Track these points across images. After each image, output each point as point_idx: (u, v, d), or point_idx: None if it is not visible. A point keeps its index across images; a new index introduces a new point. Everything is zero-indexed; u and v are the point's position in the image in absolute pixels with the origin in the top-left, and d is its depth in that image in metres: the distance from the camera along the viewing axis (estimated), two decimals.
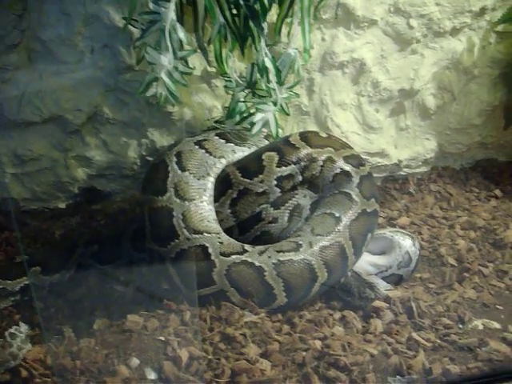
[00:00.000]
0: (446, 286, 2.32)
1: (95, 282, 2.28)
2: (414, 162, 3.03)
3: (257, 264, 2.00)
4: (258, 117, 2.26)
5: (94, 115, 2.63)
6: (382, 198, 2.93)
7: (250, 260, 2.01)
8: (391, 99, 2.88)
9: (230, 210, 2.19)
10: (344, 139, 2.78)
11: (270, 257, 2.03)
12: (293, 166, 2.19)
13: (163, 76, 2.06)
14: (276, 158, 2.18)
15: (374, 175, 2.94)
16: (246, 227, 2.24)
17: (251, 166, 2.19)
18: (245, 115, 2.35)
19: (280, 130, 2.55)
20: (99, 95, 2.60)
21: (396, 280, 2.32)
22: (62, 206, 2.79)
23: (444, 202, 2.94)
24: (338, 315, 2.11)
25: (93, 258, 2.37)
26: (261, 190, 2.17)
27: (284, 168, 2.18)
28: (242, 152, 2.29)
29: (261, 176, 2.16)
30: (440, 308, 2.16)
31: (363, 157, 2.82)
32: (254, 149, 2.32)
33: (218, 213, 2.18)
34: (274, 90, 2.30)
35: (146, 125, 2.68)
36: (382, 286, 2.23)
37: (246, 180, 2.17)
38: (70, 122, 2.60)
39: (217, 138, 2.30)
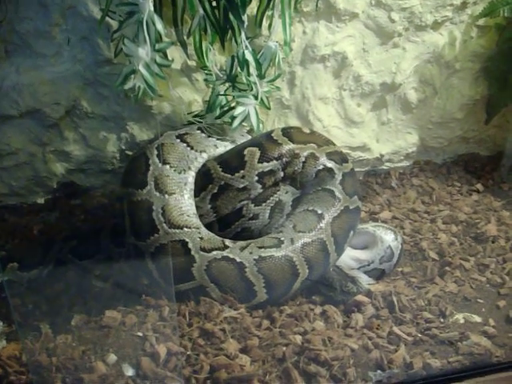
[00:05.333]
0: (428, 280, 2.32)
1: (74, 278, 2.24)
2: (395, 156, 3.02)
3: (237, 260, 1.98)
4: (239, 110, 2.23)
5: (72, 109, 2.58)
6: (364, 192, 2.92)
7: (230, 256, 1.99)
8: (373, 93, 2.87)
9: (210, 206, 2.17)
10: (326, 133, 2.77)
11: (251, 253, 2.01)
12: (275, 161, 2.17)
13: (141, 68, 2.02)
14: (258, 154, 2.16)
15: (356, 169, 2.93)
16: (227, 223, 2.21)
17: (232, 161, 2.17)
18: (225, 109, 2.33)
19: (261, 125, 2.54)
20: (78, 89, 2.55)
21: (378, 274, 2.32)
22: (41, 201, 2.75)
23: (426, 196, 2.94)
24: (318, 310, 2.10)
25: (71, 253, 2.34)
26: (242, 185, 2.15)
27: (266, 164, 2.16)
28: (223, 147, 2.27)
29: (242, 171, 2.14)
30: (421, 302, 2.16)
31: (345, 151, 2.82)
32: (235, 144, 2.29)
33: (198, 208, 2.15)
34: (255, 83, 2.27)
35: (126, 119, 2.64)
36: (364, 281, 2.23)
37: (226, 175, 2.14)
38: (48, 116, 2.55)
39: (199, 132, 2.27)
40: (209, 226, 2.19)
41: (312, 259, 2.08)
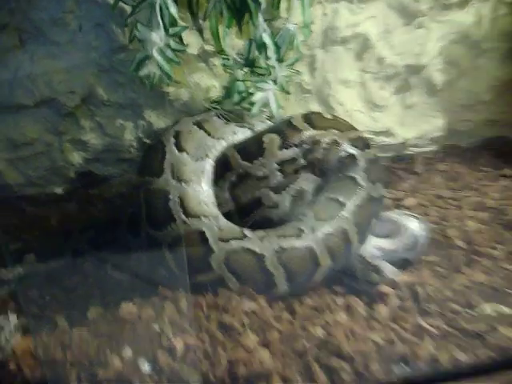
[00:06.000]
0: (454, 269, 2.23)
1: (91, 269, 2.21)
2: (420, 140, 2.92)
3: (257, 250, 1.92)
4: (258, 96, 2.17)
5: (88, 97, 2.54)
6: (389, 178, 2.83)
7: (249, 246, 1.93)
8: (396, 76, 2.76)
9: (228, 194, 2.11)
10: (348, 118, 2.67)
11: (271, 242, 1.95)
12: (295, 148, 2.10)
13: (155, 54, 1.97)
14: (278, 141, 2.09)
15: (380, 155, 2.84)
16: (246, 212, 2.15)
17: (252, 149, 2.11)
18: (244, 95, 2.26)
19: (281, 110, 2.47)
20: (93, 76, 2.50)
21: (402, 264, 2.23)
22: (59, 191, 2.72)
23: (452, 181, 2.84)
24: (341, 301, 2.03)
25: (89, 243, 2.31)
26: (261, 173, 2.09)
27: (286, 151, 2.09)
28: (242, 134, 2.21)
29: (261, 159, 2.08)
30: (447, 292, 2.07)
31: (368, 136, 2.74)
32: (255, 130, 2.23)
33: (216, 197, 2.09)
34: (274, 67, 2.20)
35: (143, 106, 2.58)
36: (388, 270, 2.15)
37: (245, 163, 2.08)
38: (64, 105, 2.51)
39: (216, 118, 2.21)
40: (227, 215, 2.14)
41: (334, 249, 2.01)
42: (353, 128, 2.28)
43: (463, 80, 2.85)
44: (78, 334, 1.77)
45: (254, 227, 2.13)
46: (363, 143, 2.24)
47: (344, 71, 2.71)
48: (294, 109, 2.73)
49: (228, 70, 2.42)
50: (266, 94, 2.17)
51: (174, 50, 2.00)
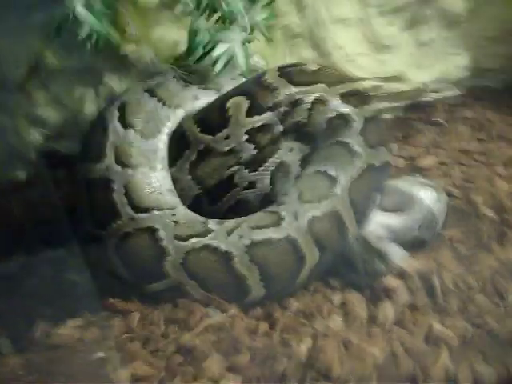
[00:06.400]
0: (482, 246, 1.80)
1: (45, 272, 1.88)
2: (440, 84, 2.43)
3: (223, 248, 1.54)
4: (219, 49, 1.74)
5: (36, 66, 2.15)
6: (404, 132, 2.38)
7: (213, 243, 1.55)
8: (407, 6, 2.28)
9: (190, 177, 1.71)
10: (349, 64, 2.26)
11: (241, 236, 1.56)
12: (269, 113, 1.68)
13: (79, 9, 1.55)
14: (245, 105, 1.67)
15: (392, 104, 2.40)
16: (217, 196, 1.76)
17: (213, 118, 1.70)
18: (208, 48, 1.83)
19: (262, 62, 2.04)
20: (39, 41, 2.11)
21: (416, 245, 1.81)
22: (22, 176, 2.37)
23: (482, 131, 2.36)
24: (336, 299, 1.65)
25: (44, 240, 1.96)
26: (227, 148, 1.68)
27: (257, 117, 1.67)
28: (206, 98, 1.79)
29: (225, 130, 1.67)
30: (472, 280, 1.66)
31: (376, 83, 2.29)
32: (223, 92, 1.81)
33: (175, 180, 1.70)
34: (240, 11, 1.76)
35: (102, 70, 2.18)
36: (397, 255, 1.73)
37: (206, 136, 1.68)
38: (8, 79, 2.13)
39: (174, 81, 1.80)
40: (196, 201, 1.75)
41: (323, 239, 1.61)
42: (347, 79, 1.84)
43: (490, 6, 2.34)
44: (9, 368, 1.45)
45: (231, 214, 1.75)
46: (359, 98, 1.79)
47: (341, 6, 2.25)
48: (284, 58, 2.29)
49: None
50: (231, 46, 1.73)
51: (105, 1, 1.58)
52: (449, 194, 2.00)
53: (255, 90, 1.70)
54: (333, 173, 1.68)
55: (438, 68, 2.41)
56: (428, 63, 2.39)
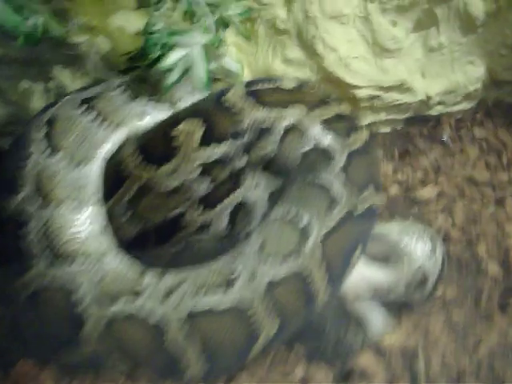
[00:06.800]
0: (481, 314, 1.49)
1: None
2: (450, 96, 2.07)
3: (154, 319, 1.23)
4: (173, 56, 1.39)
5: None
6: (402, 149, 2.05)
7: (143, 312, 1.23)
8: (416, 5, 1.91)
9: (129, 213, 1.39)
10: (343, 68, 1.92)
11: (180, 302, 1.24)
12: (228, 142, 1.34)
13: None
14: (199, 131, 1.33)
15: (391, 117, 2.06)
16: (164, 235, 1.43)
17: (158, 145, 1.36)
18: (164, 51, 1.48)
19: (236, 66, 1.70)
20: None
21: (403, 307, 1.50)
22: None
23: (493, 156, 2.02)
24: (298, 373, 1.36)
25: None
26: (173, 184, 1.34)
27: (213, 148, 1.33)
28: (158, 114, 1.45)
29: (173, 162, 1.33)
30: (465, 361, 1.35)
31: (374, 93, 1.95)
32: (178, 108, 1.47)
33: (111, 217, 1.38)
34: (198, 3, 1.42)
35: (51, 62, 1.86)
36: (378, 324, 1.43)
37: (148, 168, 1.34)
38: None
39: (120, 90, 1.45)
40: (141, 238, 1.44)
41: (285, 307, 1.29)
42: (333, 101, 1.48)
43: None
44: None
45: (181, 257, 1.44)
46: (346, 125, 1.45)
47: (336, 1, 1.87)
48: (265, 58, 1.94)
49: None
50: (189, 53, 1.39)
51: None
52: (447, 238, 1.69)
53: (213, 111, 1.36)
54: (304, 221, 1.35)
55: (448, 78, 2.05)
56: (436, 72, 2.03)
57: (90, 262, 1.29)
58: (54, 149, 1.35)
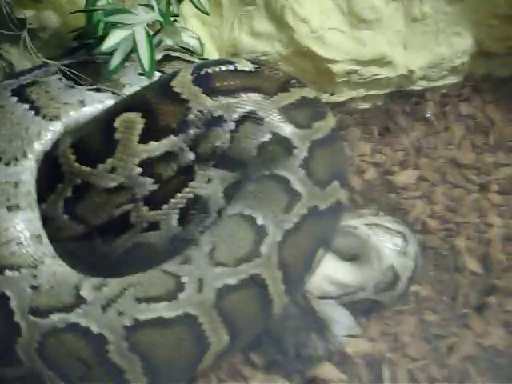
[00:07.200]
0: (457, 318, 1.38)
1: None
2: (435, 70, 1.92)
3: (94, 331, 1.12)
4: (114, 37, 1.25)
5: None
6: (382, 127, 1.92)
7: (82, 323, 1.13)
8: None
9: (68, 216, 1.26)
10: (316, 42, 1.79)
11: (121, 313, 1.13)
12: (172, 137, 1.20)
13: None
14: (139, 125, 1.19)
15: (372, 92, 1.91)
16: (110, 235, 1.31)
17: (94, 142, 1.22)
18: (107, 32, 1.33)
19: (195, 42, 1.56)
20: None
21: (370, 309, 1.39)
22: None
23: (480, 134, 1.89)
24: None
25: None
26: (113, 184, 1.21)
27: (154, 143, 1.20)
28: (98, 104, 1.31)
29: (111, 160, 1.19)
30: (437, 374, 1.24)
31: (352, 67, 1.81)
32: (120, 96, 1.33)
33: (47, 219, 1.25)
34: None
35: None
36: (343, 328, 1.32)
37: (84, 168, 1.21)
38: None
39: (56, 77, 1.31)
40: (85, 239, 1.32)
41: (236, 316, 1.18)
42: (293, 84, 1.33)
43: None
44: None
45: (129, 258, 1.32)
46: (309, 111, 1.31)
47: None
48: (231, 32, 1.79)
49: None
50: (131, 34, 1.24)
51: None
52: (424, 229, 1.57)
53: (158, 99, 1.22)
54: (260, 220, 1.23)
55: (431, 50, 1.89)
56: (419, 44, 1.88)
57: (22, 271, 1.17)
58: None
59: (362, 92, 1.91)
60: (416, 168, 1.77)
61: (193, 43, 1.56)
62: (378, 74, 1.88)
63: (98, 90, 1.32)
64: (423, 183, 1.73)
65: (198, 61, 1.48)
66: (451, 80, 1.95)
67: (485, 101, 1.94)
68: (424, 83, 1.95)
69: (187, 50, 1.53)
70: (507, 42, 1.89)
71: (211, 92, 1.23)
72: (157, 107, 1.21)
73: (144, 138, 1.19)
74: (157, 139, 1.20)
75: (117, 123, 1.19)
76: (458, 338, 1.32)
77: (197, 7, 1.50)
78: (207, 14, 1.56)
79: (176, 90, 1.23)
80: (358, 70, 1.85)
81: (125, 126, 1.19)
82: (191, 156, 1.24)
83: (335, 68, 1.82)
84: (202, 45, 1.58)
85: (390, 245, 1.38)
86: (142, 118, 1.19)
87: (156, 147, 1.20)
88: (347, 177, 1.38)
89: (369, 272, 1.37)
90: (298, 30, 1.76)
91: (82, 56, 1.41)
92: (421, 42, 1.88)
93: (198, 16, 1.74)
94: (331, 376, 1.23)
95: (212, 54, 1.79)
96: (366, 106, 1.95)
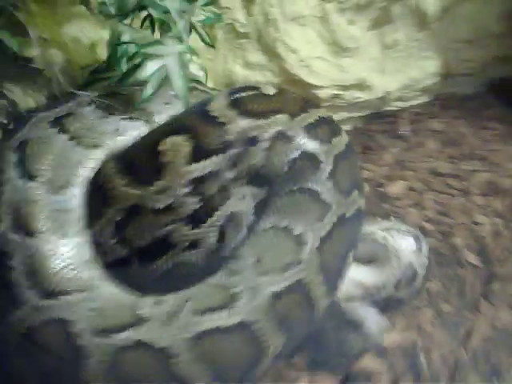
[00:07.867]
0: (467, 305, 1.52)
1: None
2: (408, 91, 2.12)
3: (158, 345, 1.17)
4: (149, 68, 1.33)
5: None
6: (364, 146, 2.07)
7: (147, 338, 1.17)
8: (372, 4, 1.94)
9: (116, 240, 1.31)
10: (304, 69, 1.92)
11: (183, 326, 1.19)
12: (215, 157, 1.29)
13: None
14: (187, 147, 1.27)
15: (353, 114, 2.08)
16: (149, 257, 1.37)
17: (142, 165, 1.29)
18: (135, 63, 1.41)
19: (201, 73, 1.66)
20: None
21: (393, 305, 1.51)
22: None
23: (452, 147, 2.08)
24: None
25: None
26: (162, 205, 1.28)
27: (202, 163, 1.28)
28: (132, 131, 1.38)
29: (161, 182, 1.27)
30: (462, 353, 1.38)
31: (334, 92, 1.96)
32: (153, 123, 1.40)
33: (96, 245, 1.30)
34: (179, 11, 1.36)
35: (2, 78, 1.73)
36: (375, 325, 1.43)
37: (133, 191, 1.27)
38: None
39: (90, 108, 1.38)
40: (122, 263, 1.36)
41: (290, 317, 1.27)
42: (311, 105, 1.46)
43: (465, 6, 2.02)
44: None
45: (168, 279, 1.38)
46: (327, 129, 1.43)
47: (295, 2, 1.87)
48: (226, 64, 1.91)
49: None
50: (165, 63, 1.33)
51: None
52: (423, 232, 1.71)
53: (199, 123, 1.31)
54: (298, 230, 1.33)
55: (405, 73, 2.09)
56: (393, 68, 2.07)
57: (80, 296, 1.21)
58: (30, 176, 1.26)
59: (344, 115, 2.07)
60: (403, 179, 1.94)
61: (199, 74, 1.67)
62: (358, 98, 2.04)
63: (130, 119, 1.39)
64: (412, 192, 1.89)
65: (208, 90, 1.59)
66: (422, 99, 2.16)
67: (453, 116, 2.15)
68: (399, 104, 2.14)
69: (195, 81, 1.64)
70: (470, 63, 2.12)
71: (245, 114, 1.33)
72: (199, 130, 1.29)
73: (190, 160, 1.28)
74: (201, 160, 1.28)
75: (163, 146, 1.27)
76: (473, 323, 1.46)
77: (203, 41, 1.61)
78: (213, 47, 1.67)
79: (213, 114, 1.32)
80: (340, 95, 2.00)
81: (172, 149, 1.27)
82: (230, 175, 1.34)
83: (321, 93, 1.97)
84: (206, 76, 1.69)
85: (405, 244, 1.52)
86: (186, 141, 1.28)
87: (201, 168, 1.29)
88: (363, 185, 1.52)
89: (390, 271, 1.49)
90: (288, 60, 1.90)
91: (106, 88, 1.47)
92: (395, 66, 2.06)
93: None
94: (374, 366, 1.33)
95: (208, 84, 1.90)
96: (347, 127, 2.10)
